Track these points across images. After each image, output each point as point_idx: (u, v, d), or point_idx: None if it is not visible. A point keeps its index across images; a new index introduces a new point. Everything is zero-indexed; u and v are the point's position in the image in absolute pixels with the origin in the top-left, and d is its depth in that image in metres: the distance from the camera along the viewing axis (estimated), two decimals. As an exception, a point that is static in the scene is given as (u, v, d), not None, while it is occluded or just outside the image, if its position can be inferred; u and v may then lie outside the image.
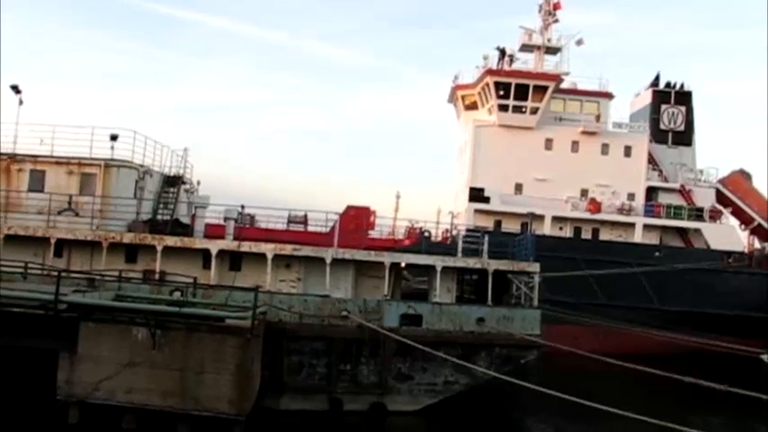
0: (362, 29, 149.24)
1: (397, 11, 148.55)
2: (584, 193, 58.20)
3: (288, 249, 32.04)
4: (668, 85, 63.39)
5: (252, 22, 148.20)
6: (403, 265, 33.88)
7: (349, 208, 39.36)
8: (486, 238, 33.95)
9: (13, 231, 33.12)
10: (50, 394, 25.47)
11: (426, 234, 48.59)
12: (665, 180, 61.00)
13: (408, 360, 30.13)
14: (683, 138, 62.17)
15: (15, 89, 37.11)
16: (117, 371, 25.20)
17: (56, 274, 27.04)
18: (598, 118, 59.93)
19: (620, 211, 57.90)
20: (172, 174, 38.75)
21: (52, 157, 35.32)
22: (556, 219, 56.79)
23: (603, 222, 57.58)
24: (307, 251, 32.02)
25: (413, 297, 34.45)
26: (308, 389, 29.64)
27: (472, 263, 32.85)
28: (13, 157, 35.42)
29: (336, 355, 29.80)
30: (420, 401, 30.77)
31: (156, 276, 31.53)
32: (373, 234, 44.73)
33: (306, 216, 43.31)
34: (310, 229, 42.72)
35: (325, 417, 29.57)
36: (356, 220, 37.80)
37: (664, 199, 59.71)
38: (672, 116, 62.14)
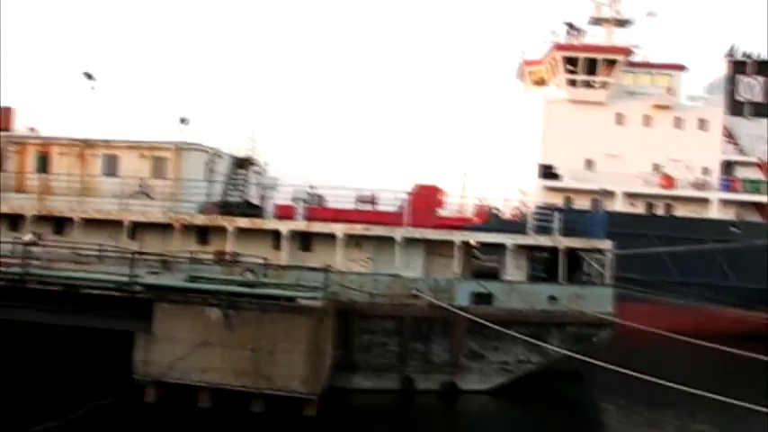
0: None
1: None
2: (656, 168, 57.07)
3: (358, 229, 32.12)
4: (745, 54, 61.70)
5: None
6: (473, 243, 33.72)
7: (418, 187, 39.28)
8: (557, 215, 33.56)
9: (89, 215, 33.75)
10: (127, 374, 25.91)
11: (496, 212, 48.29)
12: (742, 153, 59.57)
13: (479, 339, 30.01)
14: (762, 109, 60.48)
15: (89, 76, 37.74)
16: (191, 351, 25.54)
17: (130, 256, 27.50)
18: (670, 91, 58.68)
19: (695, 186, 56.69)
20: (242, 155, 39.01)
21: (125, 141, 35.87)
22: (627, 195, 55.82)
23: (677, 198, 56.43)
24: (377, 230, 32.06)
25: (483, 276, 34.29)
26: (380, 368, 29.72)
27: (543, 240, 32.54)
28: (87, 143, 36.03)
29: (407, 334, 29.82)
30: (492, 380, 30.66)
31: (228, 257, 31.85)
32: (442, 213, 44.61)
33: (374, 195, 43.30)
34: (379, 208, 42.72)
35: (396, 395, 29.64)
36: (425, 198, 37.75)
37: (741, 173, 58.33)
38: (749, 87, 60.58)
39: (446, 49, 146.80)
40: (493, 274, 33.81)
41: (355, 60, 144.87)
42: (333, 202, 42.38)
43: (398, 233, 31.75)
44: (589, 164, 57.03)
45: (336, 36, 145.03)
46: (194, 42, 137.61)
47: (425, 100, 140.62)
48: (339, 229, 32.07)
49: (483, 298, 30.55)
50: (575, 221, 34.74)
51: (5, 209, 35.07)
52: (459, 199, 49.67)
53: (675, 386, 19.64)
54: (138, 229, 33.67)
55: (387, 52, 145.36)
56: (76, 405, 25.33)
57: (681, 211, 56.03)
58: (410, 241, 31.97)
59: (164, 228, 33.38)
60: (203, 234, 33.62)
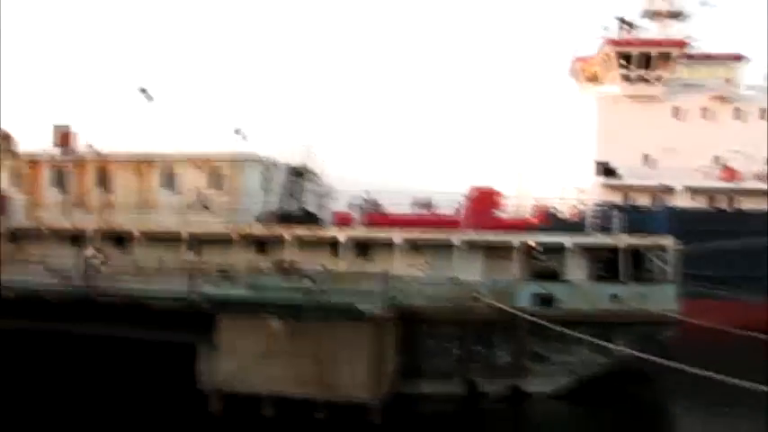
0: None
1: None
2: (716, 161, 55.92)
3: (416, 234, 32.01)
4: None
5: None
6: (532, 244, 33.42)
7: (475, 190, 38.99)
8: (617, 213, 33.10)
9: (148, 229, 34.12)
10: (192, 385, 26.11)
11: (554, 212, 47.84)
12: (805, 142, 58.04)
13: (542, 341, 29.66)
14: (828, 98, 58.77)
15: (145, 92, 38.21)
16: (254, 360, 25.65)
17: (190, 268, 27.71)
18: (729, 82, 57.53)
19: (758, 177, 55.37)
20: (298, 165, 39.15)
21: (182, 155, 36.21)
22: (688, 189, 54.80)
23: (740, 191, 55.09)
24: (435, 235, 31.93)
25: (543, 277, 33.94)
26: (443, 373, 29.54)
27: (603, 239, 32.13)
28: (145, 158, 36.46)
29: (470, 338, 29.63)
30: (556, 382, 30.31)
31: (287, 267, 31.93)
32: (500, 215, 44.26)
33: (431, 200, 43.09)
34: (436, 212, 42.48)
35: (460, 400, 29.45)
36: (482, 201, 37.41)
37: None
38: (814, 74, 58.93)
39: (499, 49, 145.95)
40: (553, 275, 33.44)
41: (408, 63, 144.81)
42: (389, 208, 42.30)
43: (457, 237, 31.60)
44: (647, 159, 56.12)
45: (388, 40, 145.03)
46: (247, 53, 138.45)
47: (479, 101, 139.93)
48: (397, 235, 32.01)
49: (544, 299, 30.24)
50: (635, 218, 34.25)
51: (69, 226, 35.66)
52: (517, 200, 49.24)
53: (748, 385, 19.08)
54: (197, 241, 33.94)
55: (439, 53, 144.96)
56: (143, 416, 25.61)
57: (745, 204, 54.69)
58: (469, 245, 31.79)
59: (223, 239, 33.61)
60: (262, 244, 33.79)
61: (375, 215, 38.53)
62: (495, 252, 32.52)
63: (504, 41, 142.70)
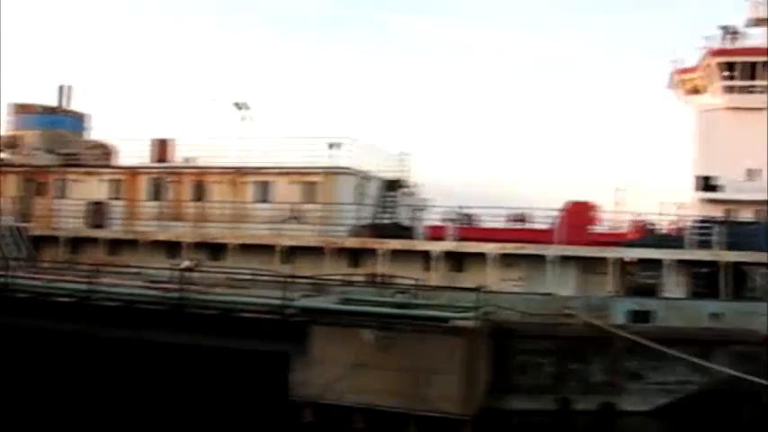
0: (560, 17, 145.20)
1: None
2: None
3: (509, 248, 31.76)
4: None
5: (450, 19, 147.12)
6: (628, 259, 32.76)
7: (570, 203, 38.45)
8: (718, 228, 32.19)
9: (243, 241, 34.59)
10: (283, 395, 26.23)
11: (652, 227, 46.80)
12: None
13: (638, 358, 28.97)
14: None
15: (238, 106, 38.83)
16: (346, 372, 25.61)
17: (283, 279, 27.91)
18: None
19: None
20: (391, 178, 39.27)
21: (276, 168, 36.64)
22: (797, 204, 52.85)
23: None
24: (528, 249, 31.62)
25: (640, 292, 33.21)
26: (536, 388, 29.10)
27: (703, 255, 31.27)
28: (240, 171, 37.00)
29: (563, 354, 29.12)
30: (652, 401, 29.54)
31: (380, 279, 31.95)
32: (596, 229, 43.54)
33: (525, 214, 42.71)
34: (531, 226, 42.07)
35: (553, 417, 28.96)
36: (578, 215, 36.83)
37: None
38: None
39: (598, 61, 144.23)
40: (650, 291, 32.69)
41: (505, 74, 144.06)
42: (483, 222, 42.04)
43: (551, 251, 31.19)
44: (750, 173, 54.50)
45: (485, 49, 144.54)
46: (342, 64, 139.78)
47: (578, 113, 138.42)
48: (490, 248, 31.79)
49: (641, 316, 29.54)
50: (737, 234, 33.24)
51: (165, 236, 36.44)
52: (614, 214, 48.38)
53: None
54: (290, 253, 34.25)
55: (537, 64, 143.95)
56: (234, 426, 25.81)
57: None
58: (563, 259, 31.36)
59: (316, 251, 33.86)
60: (355, 257, 33.93)
61: (468, 228, 38.34)
62: (589, 267, 32.01)
63: (604, 53, 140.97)
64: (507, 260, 32.09)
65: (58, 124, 45.10)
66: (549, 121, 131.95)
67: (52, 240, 39.31)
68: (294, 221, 35.60)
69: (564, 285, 31.26)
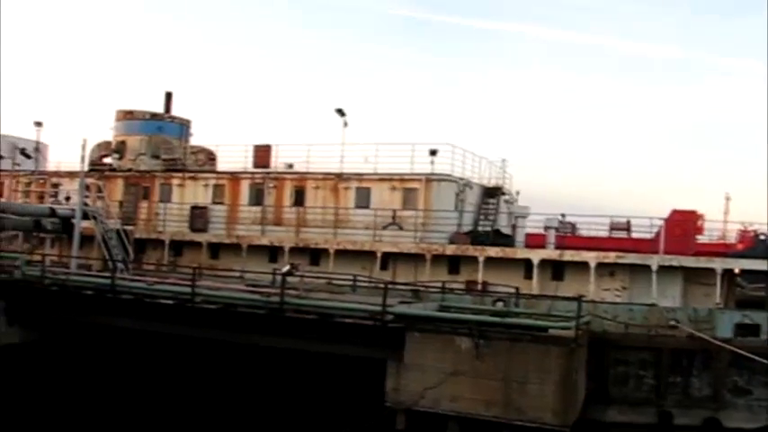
0: (670, 22, 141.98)
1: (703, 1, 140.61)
2: None
3: (611, 257, 31.17)
4: None
5: (547, 25, 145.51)
6: (736, 271, 31.79)
7: (674, 212, 37.63)
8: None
9: (342, 246, 34.78)
10: (379, 401, 26.19)
11: (762, 237, 45.41)
12: None
13: (745, 373, 28.04)
14: None
15: (340, 112, 39.13)
16: (441, 380, 25.42)
17: (383, 285, 27.91)
18: None
19: None
20: (491, 185, 39.06)
21: (376, 174, 36.78)
22: None
23: None
24: (631, 258, 30.98)
25: (748, 305, 32.17)
26: (636, 401, 28.44)
27: (816, 267, 30.12)
28: (340, 176, 37.25)
29: (665, 367, 28.37)
30: (760, 419, 28.47)
31: (479, 287, 31.74)
32: (702, 239, 42.52)
33: (629, 222, 41.99)
34: (633, 235, 41.31)
35: (653, 430, 28.23)
36: (683, 224, 36.03)
37: None
38: None
39: (698, 65, 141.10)
40: (759, 304, 31.65)
41: (604, 82, 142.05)
42: (585, 230, 41.49)
43: (654, 261, 30.48)
44: None
45: (586, 53, 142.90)
46: (439, 71, 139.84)
47: (680, 120, 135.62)
48: (591, 257, 31.26)
49: (749, 329, 28.55)
50: None
51: (266, 241, 36.94)
52: (721, 224, 47.18)
53: None
54: (389, 259, 34.30)
55: (638, 69, 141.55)
56: (332, 430, 25.89)
57: None
58: (667, 269, 30.59)
59: (415, 258, 33.82)
60: (454, 264, 33.79)
61: (569, 237, 37.87)
62: (695, 278, 31.14)
63: (705, 55, 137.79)
64: (609, 269, 31.49)
65: (162, 130, 46.15)
66: (652, 128, 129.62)
67: (155, 243, 40.24)
68: (395, 227, 35.64)
69: (667, 296, 30.51)
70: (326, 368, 28.60)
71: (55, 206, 38.99)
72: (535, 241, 36.44)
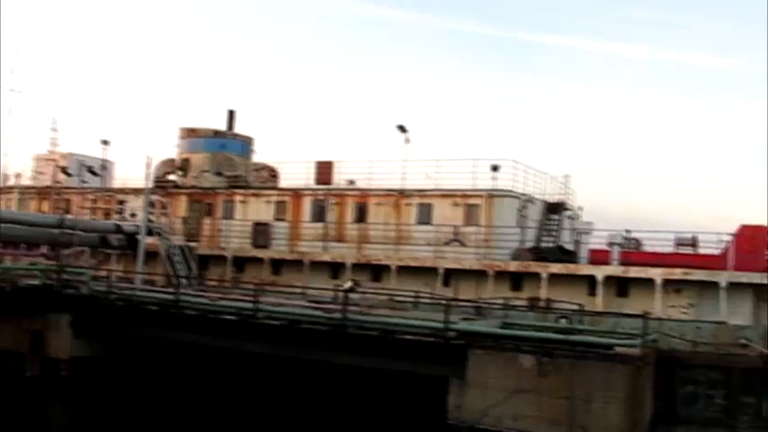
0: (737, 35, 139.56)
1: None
2: None
3: (677, 274, 30.66)
4: None
5: (607, 39, 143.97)
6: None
7: (744, 227, 36.81)
8: None
9: (404, 263, 34.69)
10: (441, 418, 25.99)
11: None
12: None
13: (823, 395, 27.28)
14: None
15: (402, 128, 39.16)
16: (504, 397, 25.13)
17: (445, 302, 27.72)
18: None
19: None
20: (554, 200, 38.70)
21: (438, 190, 36.72)
22: None
23: None
24: (698, 275, 30.44)
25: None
26: (705, 421, 27.72)
27: None
28: (402, 193, 37.21)
29: (736, 386, 27.67)
30: (836, 440, 27.74)
31: (542, 303, 31.39)
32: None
33: (695, 238, 41.21)
34: (700, 251, 40.53)
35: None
36: (752, 240, 35.20)
37: None
38: None
39: (761, 80, 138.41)
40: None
41: (665, 96, 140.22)
42: (650, 246, 40.82)
43: (723, 277, 29.88)
44: None
45: (646, 71, 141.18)
46: (500, 86, 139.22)
47: (748, 134, 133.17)
48: (657, 273, 30.76)
49: (823, 348, 27.82)
50: None
51: (328, 257, 37.00)
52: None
53: None
54: (451, 275, 34.12)
55: (703, 81, 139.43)
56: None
57: None
58: (736, 286, 29.95)
59: (477, 274, 33.59)
60: (517, 280, 33.48)
61: (634, 253, 37.30)
62: (766, 295, 30.45)
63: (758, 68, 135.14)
64: (675, 286, 30.95)
65: (225, 147, 46.64)
66: (718, 142, 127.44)
67: (218, 259, 40.55)
68: (457, 244, 35.49)
69: (737, 314, 29.85)
70: (388, 385, 28.46)
71: (120, 222, 39.65)
72: (599, 257, 35.95)
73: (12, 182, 51.27)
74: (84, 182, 49.38)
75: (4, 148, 54.57)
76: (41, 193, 49.82)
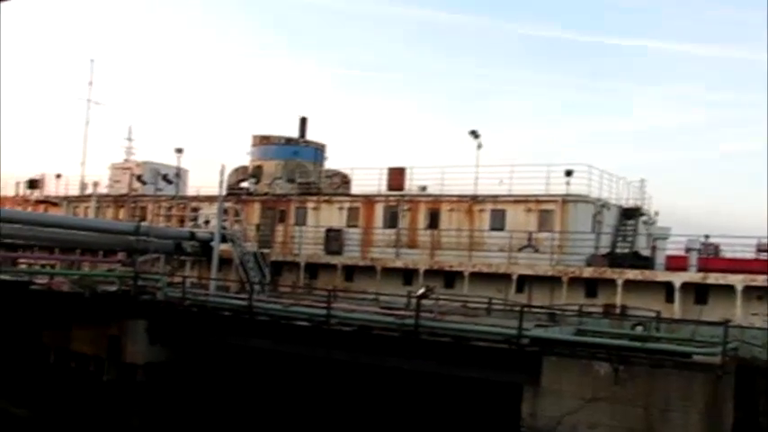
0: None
1: None
2: None
3: (759, 280, 29.86)
4: None
5: (689, 40, 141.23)
6: None
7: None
8: None
9: (477, 269, 34.44)
10: (515, 426, 25.68)
11: None
12: None
13: None
14: None
15: (474, 134, 38.90)
16: (579, 405, 24.71)
17: (518, 309, 27.42)
18: None
19: None
20: (629, 206, 38.09)
21: (511, 195, 36.41)
22: None
23: None
24: (781, 282, 29.58)
25: None
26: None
27: None
28: (474, 198, 36.98)
29: (821, 397, 26.87)
30: None
31: (617, 310, 30.87)
32: None
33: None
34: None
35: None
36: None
37: None
38: None
39: None
40: None
41: (742, 96, 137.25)
42: (730, 252, 39.92)
43: (808, 284, 29.05)
44: None
45: (718, 73, 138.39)
46: (573, 91, 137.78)
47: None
48: (738, 280, 29.99)
49: None
50: None
51: (400, 264, 36.91)
52: None
53: None
54: (525, 281, 33.75)
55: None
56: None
57: None
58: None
59: (551, 280, 33.18)
60: (591, 286, 32.98)
61: (713, 259, 36.52)
62: None
63: None
64: (757, 293, 30.14)
65: (297, 154, 46.95)
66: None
67: (291, 266, 40.75)
68: (530, 250, 35.12)
69: (824, 322, 28.99)
70: (461, 392, 28.20)
71: (194, 230, 40.08)
72: (676, 263, 35.23)
73: (89, 190, 52.17)
74: (158, 190, 50.12)
75: (82, 158, 55.90)
76: (118, 201, 50.77)
